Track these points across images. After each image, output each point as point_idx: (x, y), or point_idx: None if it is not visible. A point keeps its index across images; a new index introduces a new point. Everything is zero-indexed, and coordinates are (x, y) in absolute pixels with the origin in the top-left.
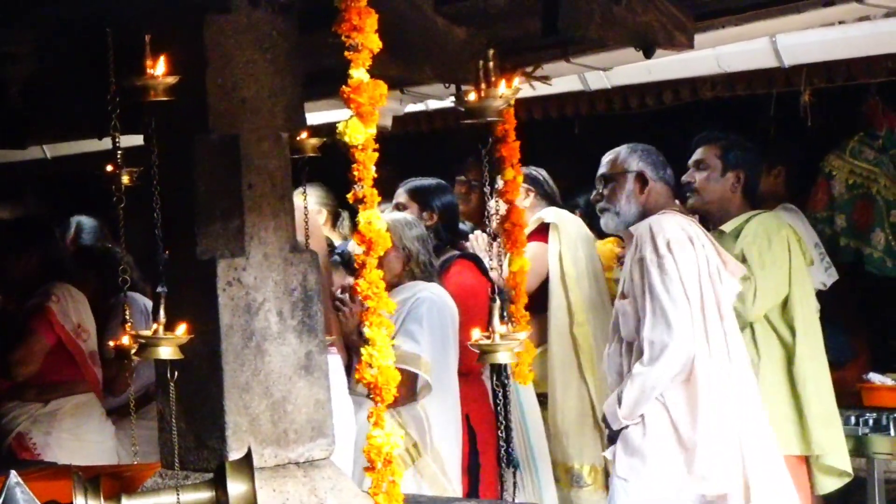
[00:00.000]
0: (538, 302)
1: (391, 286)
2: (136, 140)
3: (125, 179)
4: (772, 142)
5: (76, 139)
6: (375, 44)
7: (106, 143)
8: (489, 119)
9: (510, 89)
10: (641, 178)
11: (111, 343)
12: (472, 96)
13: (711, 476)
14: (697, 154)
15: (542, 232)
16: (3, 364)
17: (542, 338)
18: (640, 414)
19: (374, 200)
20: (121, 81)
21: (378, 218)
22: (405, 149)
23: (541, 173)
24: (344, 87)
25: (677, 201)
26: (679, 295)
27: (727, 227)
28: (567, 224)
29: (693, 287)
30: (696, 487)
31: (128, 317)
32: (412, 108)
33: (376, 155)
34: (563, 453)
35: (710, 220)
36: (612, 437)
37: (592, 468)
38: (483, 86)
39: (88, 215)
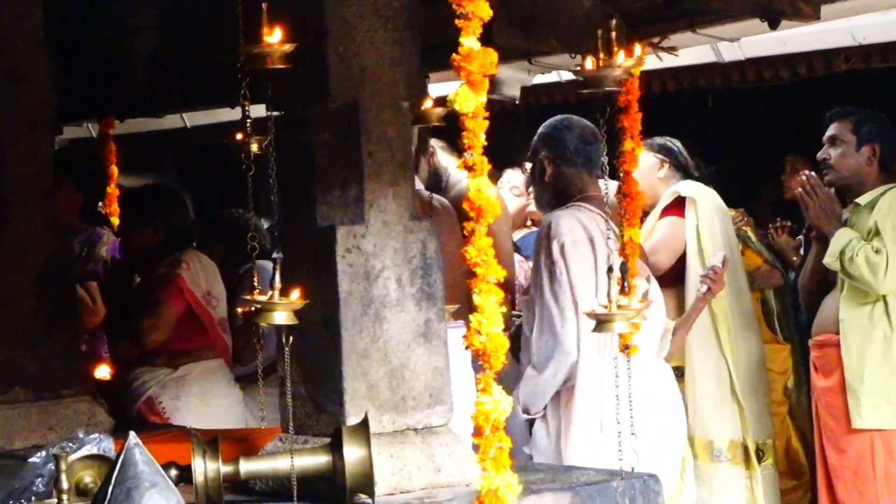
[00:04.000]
0: (675, 274)
1: None
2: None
3: (254, 147)
4: None
5: (206, 108)
6: (486, 12)
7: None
8: (607, 89)
9: (631, 59)
10: (542, 165)
11: (239, 310)
12: (589, 65)
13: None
14: (831, 130)
15: (678, 205)
16: (133, 331)
17: (679, 311)
18: (543, 410)
19: (484, 168)
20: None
21: (488, 185)
22: (536, 120)
23: (675, 144)
24: (454, 55)
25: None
26: (567, 303)
27: (863, 199)
28: (704, 197)
29: (586, 289)
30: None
31: (256, 283)
32: (543, 79)
33: (486, 123)
34: (703, 428)
35: (847, 195)
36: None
37: (732, 443)
38: (602, 55)
39: (216, 185)
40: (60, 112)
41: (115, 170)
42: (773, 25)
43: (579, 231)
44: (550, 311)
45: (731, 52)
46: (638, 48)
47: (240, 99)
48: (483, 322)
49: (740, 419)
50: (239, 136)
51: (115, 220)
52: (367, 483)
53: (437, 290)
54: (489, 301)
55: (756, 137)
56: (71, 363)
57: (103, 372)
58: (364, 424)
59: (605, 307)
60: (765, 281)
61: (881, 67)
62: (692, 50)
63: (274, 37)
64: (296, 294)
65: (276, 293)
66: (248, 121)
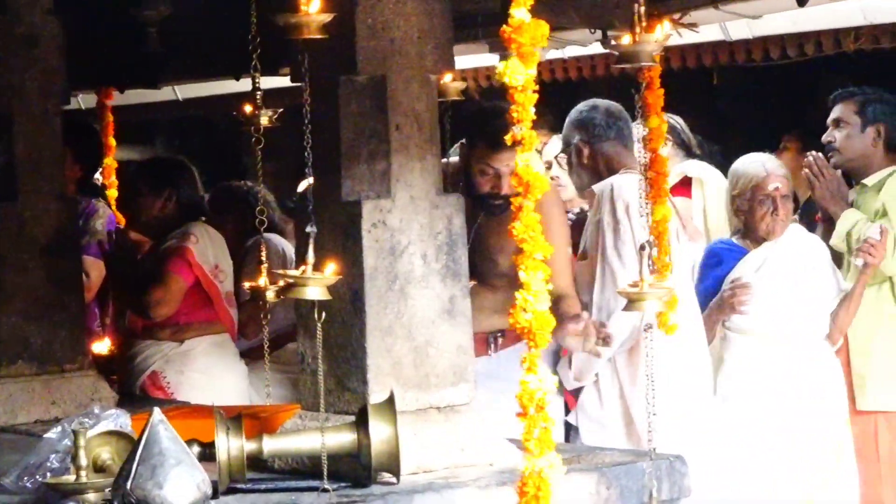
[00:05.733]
0: None
1: None
2: (273, 82)
3: (264, 121)
4: None
5: (211, 79)
6: None
7: (236, 86)
8: (643, 63)
9: (661, 35)
10: (576, 149)
11: (247, 284)
12: (626, 40)
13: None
14: (835, 112)
15: (685, 185)
16: (139, 304)
17: None
18: (595, 376)
19: (533, 142)
20: (267, 20)
21: (536, 160)
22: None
23: (678, 121)
24: (505, 26)
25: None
26: (631, 260)
27: (869, 180)
28: (711, 177)
29: None
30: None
31: (263, 258)
32: (555, 54)
33: (535, 97)
34: None
35: (854, 177)
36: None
37: None
38: (637, 30)
39: (205, 157)
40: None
41: (112, 142)
42: (802, 2)
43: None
44: (613, 267)
45: (739, 31)
46: (667, 24)
47: (250, 70)
48: (529, 300)
49: None
50: (248, 109)
51: (113, 193)
52: (392, 462)
53: (462, 267)
54: (536, 278)
55: (762, 117)
56: (76, 337)
57: (101, 347)
58: (390, 402)
59: (637, 285)
60: None
61: (890, 47)
62: (701, 27)
63: (312, 6)
64: (330, 269)
65: (310, 268)
66: (259, 93)
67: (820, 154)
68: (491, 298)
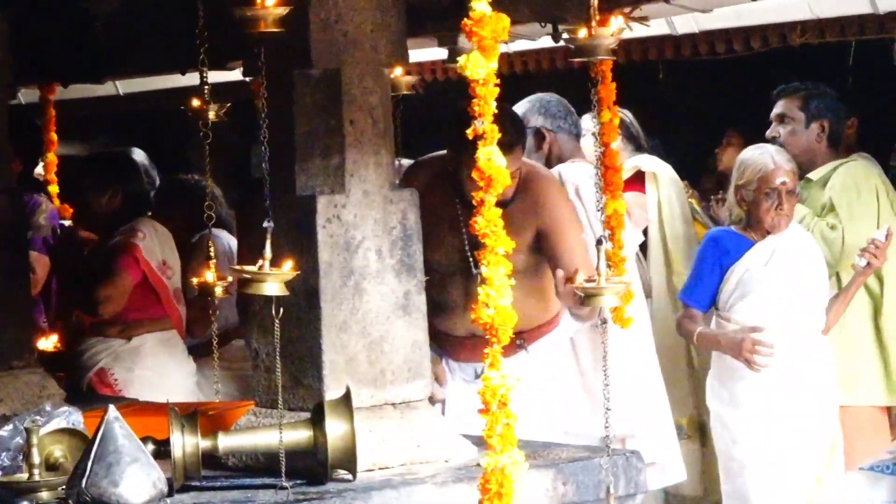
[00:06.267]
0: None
1: None
2: (219, 77)
3: (211, 115)
4: (848, 92)
5: (158, 74)
6: None
7: (179, 80)
8: (600, 57)
9: (616, 28)
10: (538, 134)
11: (195, 280)
12: (582, 34)
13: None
14: (778, 108)
15: (638, 180)
16: (86, 300)
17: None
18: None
19: (494, 136)
20: (215, 15)
21: (498, 154)
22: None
23: (626, 115)
24: (466, 20)
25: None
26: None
27: (814, 175)
28: (664, 172)
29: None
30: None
31: (212, 253)
32: (504, 48)
33: (497, 90)
34: None
35: (799, 171)
36: None
37: (690, 419)
38: (593, 23)
39: (157, 154)
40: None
41: (54, 137)
42: None
43: (587, 178)
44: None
45: (685, 25)
46: (620, 19)
47: (197, 65)
48: (492, 295)
49: (692, 396)
50: (196, 103)
51: (55, 189)
52: (348, 459)
53: (417, 262)
54: (498, 273)
55: (707, 111)
56: (24, 333)
57: (48, 343)
58: (346, 399)
59: (594, 280)
60: None
61: (836, 41)
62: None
63: None
64: (288, 265)
65: (267, 263)
66: (207, 87)
67: None
68: None
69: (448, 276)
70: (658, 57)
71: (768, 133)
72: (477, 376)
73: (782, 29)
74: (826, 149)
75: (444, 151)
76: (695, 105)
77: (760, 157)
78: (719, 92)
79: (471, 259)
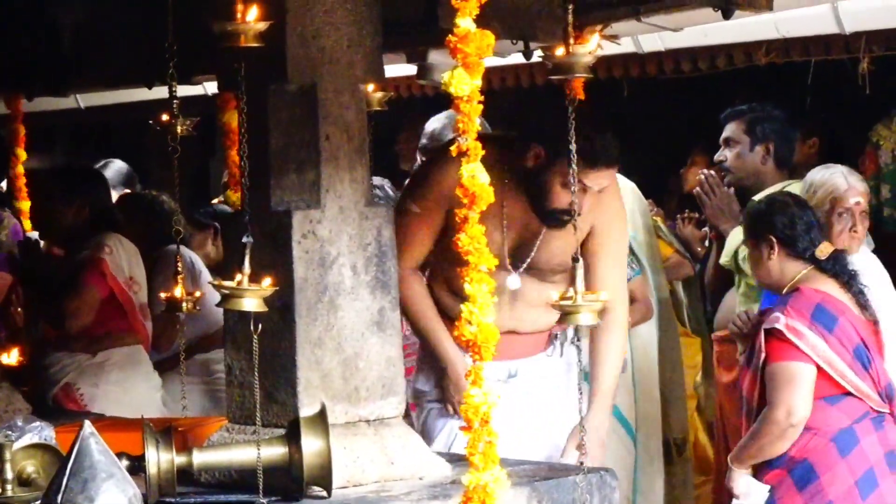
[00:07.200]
0: None
1: None
2: (183, 91)
3: (179, 129)
4: (807, 112)
5: (125, 87)
6: None
7: (141, 94)
8: (577, 75)
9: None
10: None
11: (162, 295)
12: (560, 52)
13: None
14: (726, 131)
15: None
16: (53, 315)
17: None
18: None
19: (478, 153)
20: (183, 29)
21: (482, 172)
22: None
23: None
24: (450, 36)
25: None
26: None
27: (758, 197)
28: (625, 186)
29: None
30: None
31: (180, 268)
32: None
33: (481, 107)
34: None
35: (747, 194)
36: None
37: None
38: (571, 41)
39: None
40: None
41: (21, 152)
42: (727, 15)
43: None
44: None
45: (651, 43)
46: (597, 36)
47: (165, 79)
48: (475, 312)
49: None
50: (164, 117)
51: (26, 205)
52: (324, 476)
53: (392, 279)
54: (481, 290)
55: (671, 129)
56: None
57: (10, 358)
58: (322, 415)
59: (570, 298)
60: (675, 272)
61: (801, 61)
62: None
63: (249, 14)
64: (267, 281)
65: (246, 279)
66: (175, 101)
67: (713, 172)
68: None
69: None
70: (623, 75)
71: (716, 157)
72: (511, 376)
73: (747, 48)
74: (773, 170)
75: (503, 135)
76: (659, 124)
77: (832, 178)
78: (684, 111)
79: (507, 258)
